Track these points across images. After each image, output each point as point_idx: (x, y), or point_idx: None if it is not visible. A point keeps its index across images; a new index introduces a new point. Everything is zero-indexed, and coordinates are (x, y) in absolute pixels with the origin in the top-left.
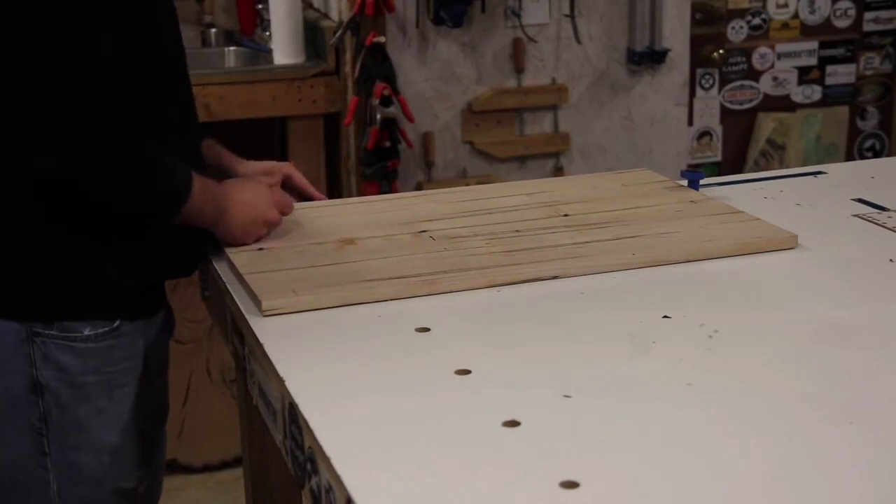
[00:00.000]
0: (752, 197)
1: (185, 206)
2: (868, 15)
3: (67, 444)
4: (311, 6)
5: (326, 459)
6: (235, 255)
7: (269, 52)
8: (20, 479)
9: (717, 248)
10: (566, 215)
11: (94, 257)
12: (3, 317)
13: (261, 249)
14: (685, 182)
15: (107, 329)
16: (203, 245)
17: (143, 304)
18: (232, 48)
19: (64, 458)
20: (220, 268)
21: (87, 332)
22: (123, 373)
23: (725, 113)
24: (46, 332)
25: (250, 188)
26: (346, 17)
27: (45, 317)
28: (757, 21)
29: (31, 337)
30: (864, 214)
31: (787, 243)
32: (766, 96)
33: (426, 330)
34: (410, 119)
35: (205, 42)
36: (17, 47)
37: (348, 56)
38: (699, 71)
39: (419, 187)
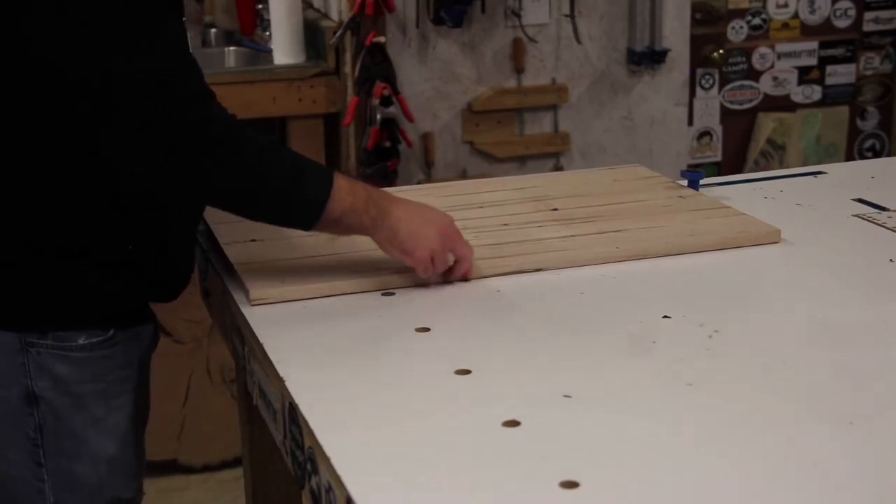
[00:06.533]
0: (752, 197)
1: (330, 207)
2: (868, 15)
3: (63, 455)
4: (311, 6)
5: (326, 459)
6: (228, 247)
7: (269, 52)
8: (16, 490)
9: (700, 243)
10: (555, 209)
11: (89, 272)
12: None
13: (253, 241)
14: (685, 182)
15: (101, 338)
16: (191, 269)
17: (138, 313)
18: (232, 48)
19: (60, 469)
20: (217, 263)
21: (81, 341)
22: (119, 382)
23: (725, 113)
24: (41, 342)
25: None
26: (346, 17)
27: (39, 326)
28: (757, 21)
29: (25, 347)
30: (863, 214)
31: (771, 237)
32: (766, 96)
33: (426, 330)
34: (410, 119)
35: (205, 42)
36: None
37: (348, 56)
38: (699, 71)
39: None
